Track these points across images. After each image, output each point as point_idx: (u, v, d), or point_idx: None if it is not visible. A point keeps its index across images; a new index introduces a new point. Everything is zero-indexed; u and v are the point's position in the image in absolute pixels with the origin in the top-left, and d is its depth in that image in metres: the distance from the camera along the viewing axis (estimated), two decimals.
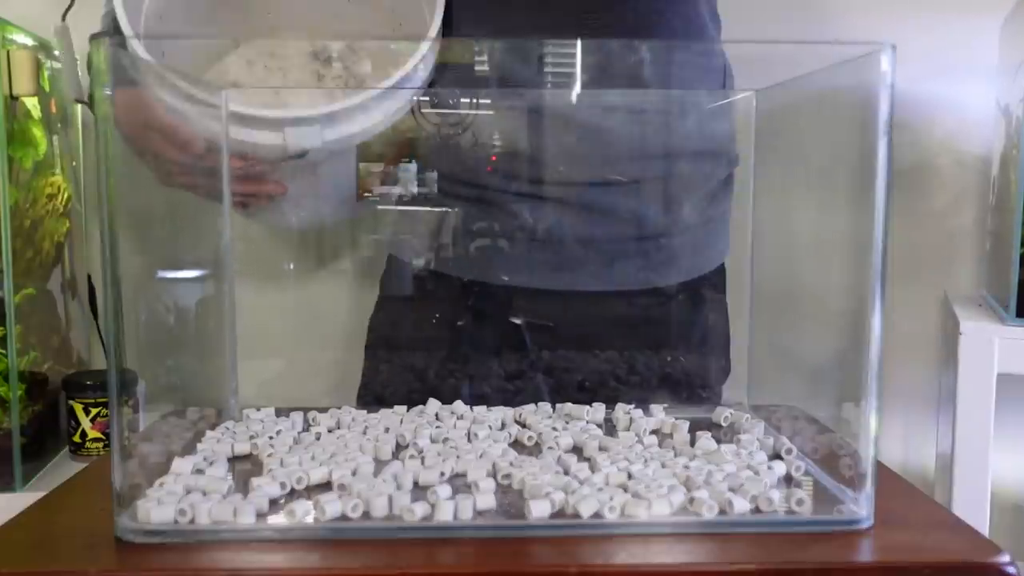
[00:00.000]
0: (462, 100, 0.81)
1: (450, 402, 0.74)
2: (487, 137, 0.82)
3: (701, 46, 0.87)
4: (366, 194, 0.83)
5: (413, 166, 0.82)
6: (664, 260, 0.86)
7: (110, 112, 0.52)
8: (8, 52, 0.93)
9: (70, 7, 0.97)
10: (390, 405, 0.74)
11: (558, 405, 0.73)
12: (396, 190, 0.82)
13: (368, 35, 0.85)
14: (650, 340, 0.87)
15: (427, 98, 0.79)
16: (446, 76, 0.79)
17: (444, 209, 0.84)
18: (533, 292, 0.85)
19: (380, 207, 0.84)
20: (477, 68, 0.76)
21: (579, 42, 0.68)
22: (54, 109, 1.06)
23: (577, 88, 0.74)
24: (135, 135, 0.73)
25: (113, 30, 0.75)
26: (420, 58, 0.73)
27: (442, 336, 0.87)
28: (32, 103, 0.99)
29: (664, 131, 0.86)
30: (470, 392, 0.82)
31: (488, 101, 0.81)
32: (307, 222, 0.90)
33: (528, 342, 0.86)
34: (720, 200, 0.89)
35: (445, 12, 0.78)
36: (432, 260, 0.86)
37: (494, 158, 0.83)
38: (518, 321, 0.86)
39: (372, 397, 0.90)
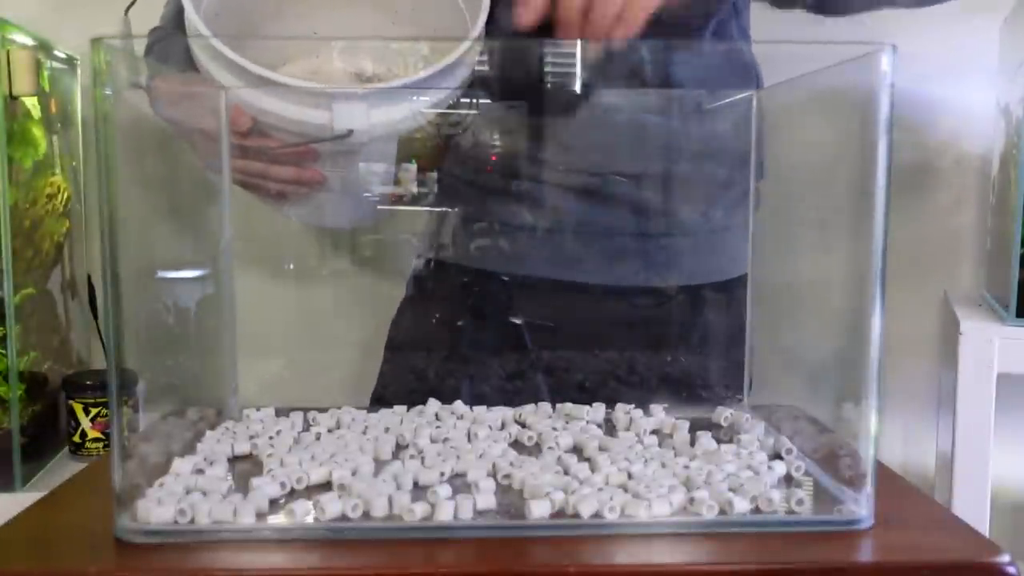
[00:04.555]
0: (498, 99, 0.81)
1: (480, 401, 0.75)
2: (519, 133, 0.83)
3: (722, 47, 0.87)
4: (398, 193, 0.83)
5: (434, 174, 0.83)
6: (687, 262, 0.87)
7: (111, 112, 0.52)
8: (8, 52, 0.93)
9: (133, 3, 0.97)
10: (413, 403, 0.74)
11: (558, 405, 0.73)
12: (423, 189, 0.82)
13: (411, 48, 0.85)
14: (662, 342, 0.87)
15: (467, 98, 0.79)
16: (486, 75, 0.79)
17: (474, 205, 0.84)
18: (562, 287, 0.85)
19: (414, 207, 0.84)
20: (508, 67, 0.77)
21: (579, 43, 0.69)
22: (54, 109, 1.06)
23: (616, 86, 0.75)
24: (181, 114, 0.74)
25: (172, 21, 0.77)
26: (465, 50, 0.74)
27: (471, 336, 0.88)
28: (32, 103, 0.99)
29: (681, 132, 0.86)
30: (506, 387, 0.83)
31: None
32: (342, 220, 0.90)
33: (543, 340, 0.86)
34: (742, 209, 0.88)
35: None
36: (467, 258, 0.86)
37: (499, 156, 0.84)
38: (543, 320, 0.87)
39: (389, 396, 0.90)
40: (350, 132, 0.75)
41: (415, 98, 0.75)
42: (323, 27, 0.88)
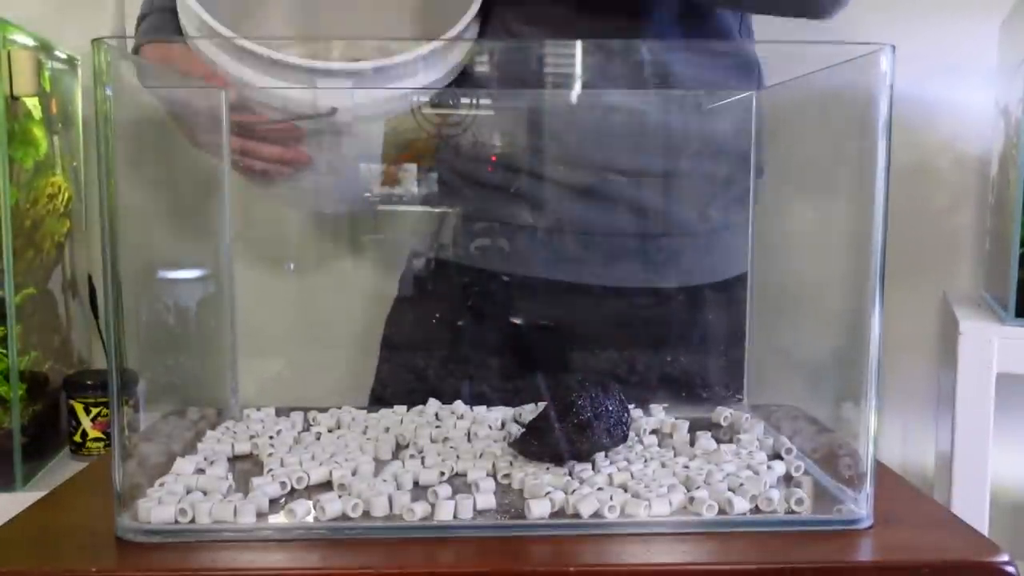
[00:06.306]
0: (494, 93, 0.81)
1: (481, 400, 0.74)
2: (521, 130, 0.83)
3: (726, 45, 0.88)
4: (384, 189, 0.82)
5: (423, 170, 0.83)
6: (687, 262, 0.87)
7: (111, 112, 0.53)
8: (9, 52, 0.93)
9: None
10: (407, 403, 0.74)
11: None
12: (415, 188, 0.82)
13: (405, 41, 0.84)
14: (662, 342, 0.87)
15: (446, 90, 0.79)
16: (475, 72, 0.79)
17: (472, 204, 0.84)
18: (559, 287, 0.85)
19: (402, 206, 0.84)
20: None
21: (579, 43, 0.69)
22: (55, 109, 1.06)
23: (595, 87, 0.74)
24: (167, 84, 0.74)
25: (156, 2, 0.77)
26: (465, 26, 0.73)
27: (466, 335, 0.88)
28: (33, 103, 0.99)
29: (682, 131, 0.86)
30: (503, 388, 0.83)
31: (522, 93, 0.81)
32: (324, 205, 0.89)
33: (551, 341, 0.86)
34: (741, 208, 0.89)
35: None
36: (462, 256, 0.86)
37: (499, 155, 0.84)
38: (537, 321, 0.87)
39: (387, 395, 0.90)
40: (334, 110, 0.73)
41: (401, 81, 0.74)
42: (327, 26, 0.88)
